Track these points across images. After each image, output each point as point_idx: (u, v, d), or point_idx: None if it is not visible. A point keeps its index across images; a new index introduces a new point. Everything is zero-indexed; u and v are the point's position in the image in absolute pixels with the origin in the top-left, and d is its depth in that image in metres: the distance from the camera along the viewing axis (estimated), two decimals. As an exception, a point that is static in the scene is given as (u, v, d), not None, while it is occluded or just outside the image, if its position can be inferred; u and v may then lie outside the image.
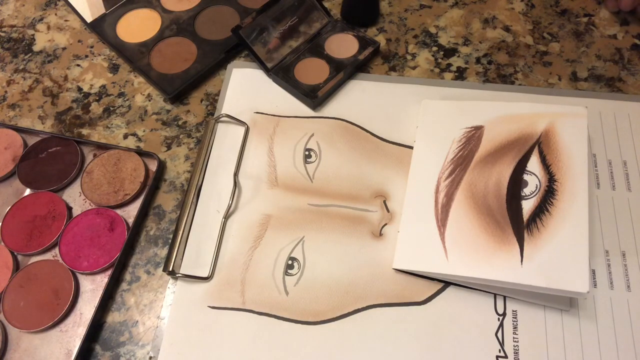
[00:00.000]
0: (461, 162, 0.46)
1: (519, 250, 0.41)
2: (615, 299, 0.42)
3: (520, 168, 0.44)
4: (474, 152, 0.46)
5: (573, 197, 0.42)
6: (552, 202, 0.42)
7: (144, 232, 0.47)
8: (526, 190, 0.43)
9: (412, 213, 0.45)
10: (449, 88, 0.53)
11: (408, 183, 0.47)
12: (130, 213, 0.48)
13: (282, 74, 0.53)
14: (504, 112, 0.48)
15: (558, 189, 0.43)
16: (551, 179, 0.43)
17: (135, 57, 0.56)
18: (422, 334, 0.41)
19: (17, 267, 0.46)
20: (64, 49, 0.59)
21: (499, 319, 0.42)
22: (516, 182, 0.44)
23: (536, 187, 0.43)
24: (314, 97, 0.51)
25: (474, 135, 0.47)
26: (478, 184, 0.44)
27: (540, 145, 0.45)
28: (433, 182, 0.46)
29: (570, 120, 0.46)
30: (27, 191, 0.49)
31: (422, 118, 0.50)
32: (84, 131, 0.53)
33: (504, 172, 0.44)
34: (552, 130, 0.46)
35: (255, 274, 0.44)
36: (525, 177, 0.44)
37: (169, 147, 0.52)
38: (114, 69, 0.57)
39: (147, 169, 0.49)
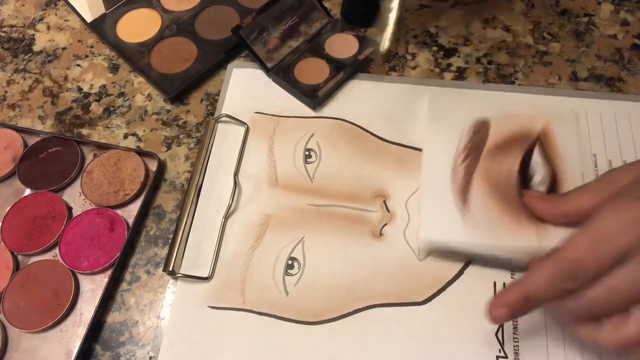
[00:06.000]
0: (472, 151, 0.46)
1: (535, 233, 0.41)
2: (616, 298, 0.42)
3: (525, 162, 0.45)
4: (483, 144, 0.46)
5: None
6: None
7: (144, 232, 0.47)
8: (535, 181, 0.44)
9: (431, 191, 0.45)
10: (449, 88, 0.53)
11: (422, 168, 0.46)
12: (130, 213, 0.48)
13: (282, 74, 0.53)
14: (506, 109, 0.48)
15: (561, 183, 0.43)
16: (553, 175, 0.44)
17: (135, 57, 0.56)
18: (422, 334, 0.41)
19: (17, 267, 0.46)
20: (64, 49, 0.59)
21: (499, 319, 0.42)
22: (524, 175, 0.44)
23: (542, 179, 0.44)
24: (314, 97, 0.51)
25: (482, 129, 0.47)
26: (491, 172, 0.44)
27: (540, 142, 0.46)
28: (448, 167, 0.45)
29: (562, 122, 0.47)
30: (27, 191, 0.49)
31: (430, 110, 0.49)
32: (84, 131, 0.53)
33: (512, 164, 0.45)
34: (549, 129, 0.46)
35: (255, 274, 0.44)
36: (531, 171, 0.44)
37: (169, 147, 0.52)
38: (114, 69, 0.57)
39: (147, 169, 0.49)
